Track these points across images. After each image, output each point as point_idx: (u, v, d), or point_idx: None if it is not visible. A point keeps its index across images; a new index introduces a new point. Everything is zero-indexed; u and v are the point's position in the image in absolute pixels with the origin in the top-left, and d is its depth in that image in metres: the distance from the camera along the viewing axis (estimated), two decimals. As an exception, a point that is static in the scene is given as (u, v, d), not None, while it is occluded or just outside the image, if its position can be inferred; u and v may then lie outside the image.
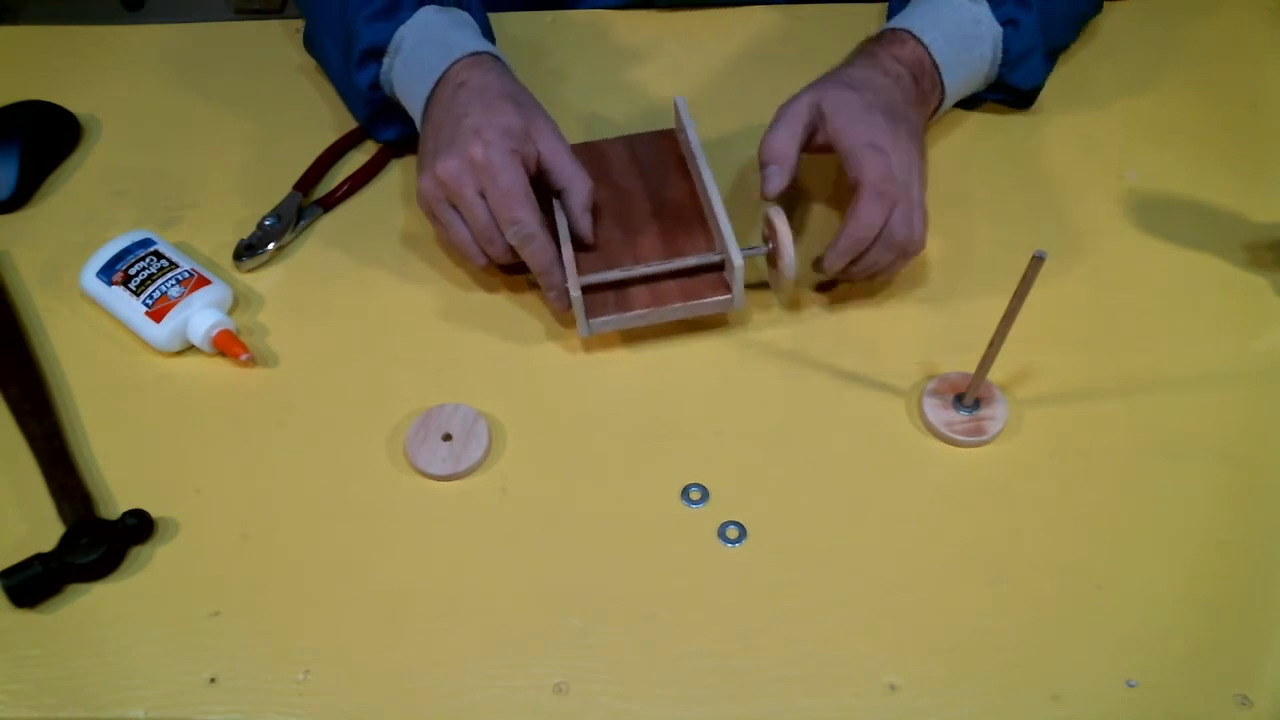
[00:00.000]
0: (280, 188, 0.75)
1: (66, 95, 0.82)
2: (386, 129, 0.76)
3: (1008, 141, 0.78)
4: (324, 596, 0.56)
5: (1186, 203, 0.73)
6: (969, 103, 0.78)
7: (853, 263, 0.63)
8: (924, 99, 0.70)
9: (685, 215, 0.68)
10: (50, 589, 0.55)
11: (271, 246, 0.71)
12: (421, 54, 0.69)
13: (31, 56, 0.88)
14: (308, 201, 0.75)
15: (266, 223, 0.73)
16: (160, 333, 0.65)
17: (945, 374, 0.63)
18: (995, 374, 0.61)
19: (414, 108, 0.70)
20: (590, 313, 0.63)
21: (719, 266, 0.64)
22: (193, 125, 0.82)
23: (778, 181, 0.63)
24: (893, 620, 0.54)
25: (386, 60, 0.71)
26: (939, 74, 0.71)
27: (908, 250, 0.63)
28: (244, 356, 0.65)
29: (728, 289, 0.63)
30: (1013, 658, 0.53)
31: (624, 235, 0.67)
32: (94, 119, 0.82)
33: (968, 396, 0.61)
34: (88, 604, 0.56)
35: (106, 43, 0.89)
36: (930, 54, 0.70)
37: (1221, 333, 0.66)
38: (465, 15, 0.73)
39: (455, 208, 0.64)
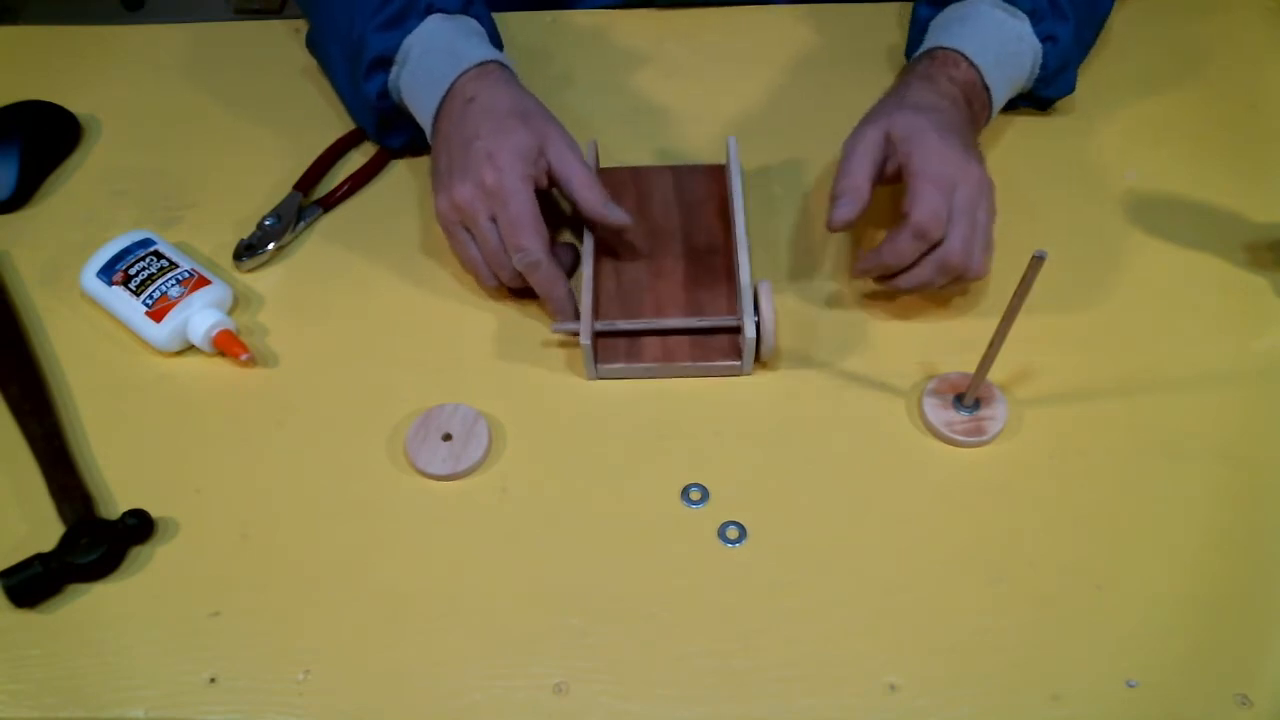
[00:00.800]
0: (280, 188, 0.75)
1: (66, 95, 0.82)
2: (394, 136, 0.76)
3: (1007, 142, 0.78)
4: (324, 596, 0.56)
5: (1186, 203, 0.73)
6: None
7: (894, 276, 0.62)
8: (974, 121, 0.70)
9: (714, 265, 0.68)
10: (50, 589, 0.55)
11: (271, 246, 0.71)
12: (429, 63, 0.69)
13: (31, 56, 0.88)
14: (308, 201, 0.75)
15: (266, 223, 0.73)
16: (160, 333, 0.65)
17: (945, 374, 0.63)
18: (995, 374, 0.61)
19: (423, 118, 0.70)
20: (601, 358, 0.64)
21: (735, 328, 0.64)
22: (192, 125, 0.81)
23: (847, 212, 0.61)
24: (893, 620, 0.54)
25: (394, 69, 0.71)
26: (989, 95, 0.70)
27: (964, 276, 0.62)
28: (244, 356, 0.65)
29: (739, 354, 0.63)
30: (1013, 658, 0.53)
31: (649, 277, 0.67)
32: (94, 119, 0.82)
33: (968, 396, 0.61)
34: (88, 604, 0.56)
35: (106, 43, 0.89)
36: (982, 76, 0.69)
37: (1221, 333, 0.66)
38: (473, 23, 0.73)
39: (469, 230, 0.65)
